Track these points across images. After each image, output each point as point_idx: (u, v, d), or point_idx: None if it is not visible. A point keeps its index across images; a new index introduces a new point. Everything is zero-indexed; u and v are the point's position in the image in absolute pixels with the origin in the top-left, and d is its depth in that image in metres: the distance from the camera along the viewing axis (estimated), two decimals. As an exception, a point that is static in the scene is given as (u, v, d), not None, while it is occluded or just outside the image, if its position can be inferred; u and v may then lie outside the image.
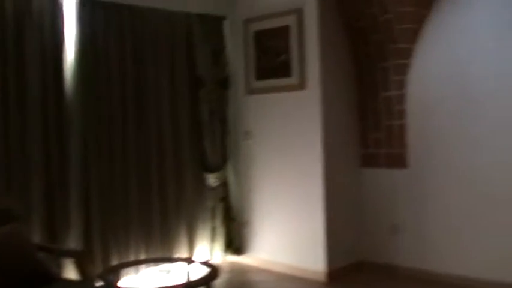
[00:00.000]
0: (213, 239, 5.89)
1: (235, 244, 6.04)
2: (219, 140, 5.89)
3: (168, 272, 4.34)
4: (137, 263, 4.93)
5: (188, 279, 4.22)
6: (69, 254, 4.33)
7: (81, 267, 3.83)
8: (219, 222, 5.91)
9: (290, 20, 5.43)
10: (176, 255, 5.48)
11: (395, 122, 5.46)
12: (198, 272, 4.21)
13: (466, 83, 5.01)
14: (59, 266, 4.52)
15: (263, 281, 5.50)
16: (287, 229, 5.66)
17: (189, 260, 4.58)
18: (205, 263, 4.34)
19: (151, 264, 4.71)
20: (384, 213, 5.60)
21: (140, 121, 5.29)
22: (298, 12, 5.36)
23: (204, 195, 5.85)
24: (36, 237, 4.41)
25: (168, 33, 5.51)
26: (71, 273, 4.36)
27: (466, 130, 5.03)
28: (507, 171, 4.78)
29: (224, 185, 5.97)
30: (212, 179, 5.82)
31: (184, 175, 5.64)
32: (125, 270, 4.62)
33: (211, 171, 5.83)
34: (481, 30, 4.91)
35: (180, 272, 4.39)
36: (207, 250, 5.86)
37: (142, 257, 5.25)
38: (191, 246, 5.72)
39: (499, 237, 4.82)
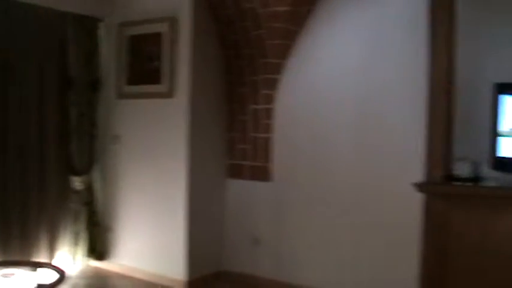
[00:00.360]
0: (75, 244, 5.76)
1: (98, 249, 5.92)
2: (87, 143, 5.76)
3: (11, 276, 4.21)
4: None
5: (34, 284, 4.12)
6: None
7: None
8: (82, 227, 5.78)
9: (163, 27, 5.41)
10: (35, 260, 5.30)
11: (261, 135, 5.55)
12: (46, 276, 4.11)
13: (330, 99, 5.15)
14: None
15: (122, 286, 5.47)
16: (150, 236, 5.64)
17: (36, 264, 4.46)
18: (54, 268, 4.25)
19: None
20: (246, 224, 5.68)
21: (4, 120, 5.08)
22: (172, 20, 5.36)
23: (68, 198, 5.70)
24: None
25: (40, 30, 5.32)
26: None
27: (326, 148, 5.18)
28: (364, 188, 4.94)
29: (89, 189, 5.85)
30: (77, 183, 5.69)
31: (48, 177, 5.46)
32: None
33: (77, 174, 5.69)
34: (345, 49, 5.09)
35: (24, 277, 4.26)
36: (69, 255, 5.73)
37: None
38: (52, 250, 5.56)
39: (354, 252, 4.99)
